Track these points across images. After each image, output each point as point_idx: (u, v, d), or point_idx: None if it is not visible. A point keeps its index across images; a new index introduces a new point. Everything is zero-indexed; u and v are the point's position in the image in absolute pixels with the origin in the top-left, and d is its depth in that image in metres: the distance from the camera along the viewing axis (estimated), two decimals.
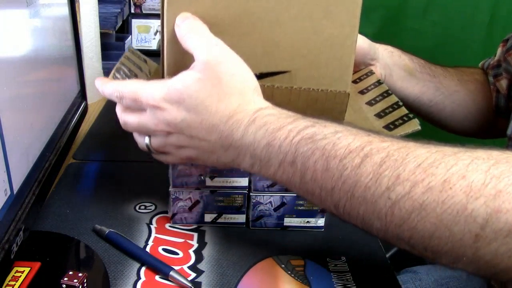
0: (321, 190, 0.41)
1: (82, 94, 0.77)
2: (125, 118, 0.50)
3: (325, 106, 0.52)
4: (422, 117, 0.77)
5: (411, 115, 0.57)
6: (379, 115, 0.59)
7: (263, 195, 0.58)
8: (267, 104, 0.47)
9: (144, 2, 1.23)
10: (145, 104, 0.47)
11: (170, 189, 0.58)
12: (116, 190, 0.67)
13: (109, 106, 0.95)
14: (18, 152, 0.48)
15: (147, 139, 0.50)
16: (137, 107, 0.48)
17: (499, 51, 0.78)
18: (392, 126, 0.56)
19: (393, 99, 0.61)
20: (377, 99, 0.63)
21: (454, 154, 0.37)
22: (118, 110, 0.51)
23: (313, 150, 0.41)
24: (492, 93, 0.78)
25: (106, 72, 0.98)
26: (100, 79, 0.52)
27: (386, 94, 0.63)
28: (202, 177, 0.57)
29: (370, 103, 0.62)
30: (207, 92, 0.45)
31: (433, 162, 0.37)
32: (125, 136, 0.83)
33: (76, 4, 0.73)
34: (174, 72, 0.48)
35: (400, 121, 0.57)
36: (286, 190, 0.58)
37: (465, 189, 0.35)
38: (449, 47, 0.82)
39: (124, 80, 0.58)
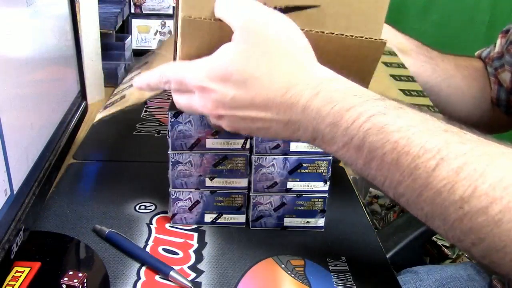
0: (385, 180, 0.39)
1: (82, 94, 0.77)
2: (176, 98, 0.47)
3: (358, 54, 0.47)
4: None
5: (435, 109, 0.54)
6: (404, 92, 0.56)
7: (263, 195, 0.58)
8: (328, 73, 0.43)
9: (144, 2, 1.23)
10: (191, 86, 0.44)
11: (170, 190, 0.58)
12: (116, 190, 0.67)
13: None
14: (18, 152, 0.48)
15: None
16: (185, 90, 0.45)
17: (499, 42, 0.77)
18: None
19: (419, 86, 0.58)
20: (402, 78, 0.60)
21: None
22: (171, 90, 0.48)
23: (384, 142, 0.38)
24: (492, 85, 0.76)
25: (106, 72, 0.98)
26: (141, 75, 0.49)
27: (412, 78, 0.60)
28: (202, 178, 0.57)
29: (395, 78, 0.60)
30: (255, 62, 0.41)
31: None
32: (125, 136, 0.83)
33: (76, 4, 0.73)
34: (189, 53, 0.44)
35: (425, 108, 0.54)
36: (287, 191, 0.58)
37: None
38: (449, 47, 0.82)
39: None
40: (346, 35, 0.46)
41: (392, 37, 0.73)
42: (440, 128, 0.38)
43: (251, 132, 0.45)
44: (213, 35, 0.45)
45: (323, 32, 0.46)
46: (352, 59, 0.47)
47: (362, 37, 0.46)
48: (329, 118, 0.40)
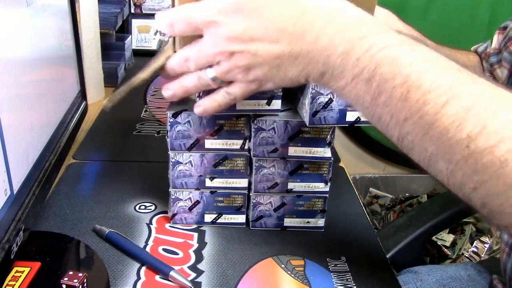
0: (390, 118, 0.38)
1: (82, 94, 0.77)
2: (181, 52, 0.46)
3: None
4: None
5: None
6: None
7: (263, 196, 0.58)
8: (341, 1, 0.42)
9: (144, 2, 1.23)
10: (200, 22, 0.43)
11: (170, 190, 0.58)
12: (116, 190, 0.67)
13: None
14: (18, 152, 0.48)
15: (211, 72, 0.45)
16: (192, 31, 0.44)
17: (496, 38, 0.77)
18: None
19: None
20: None
21: None
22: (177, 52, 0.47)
23: (395, 74, 0.37)
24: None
25: (106, 72, 0.98)
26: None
27: None
28: (202, 178, 0.57)
29: None
30: None
31: None
32: (125, 136, 0.83)
33: (76, 4, 0.73)
34: None
35: None
36: (288, 192, 0.58)
37: None
38: None
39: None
40: None
41: (390, 23, 0.72)
42: (453, 67, 0.37)
43: (264, 73, 0.43)
44: None
45: None
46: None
47: None
48: (342, 47, 0.39)
